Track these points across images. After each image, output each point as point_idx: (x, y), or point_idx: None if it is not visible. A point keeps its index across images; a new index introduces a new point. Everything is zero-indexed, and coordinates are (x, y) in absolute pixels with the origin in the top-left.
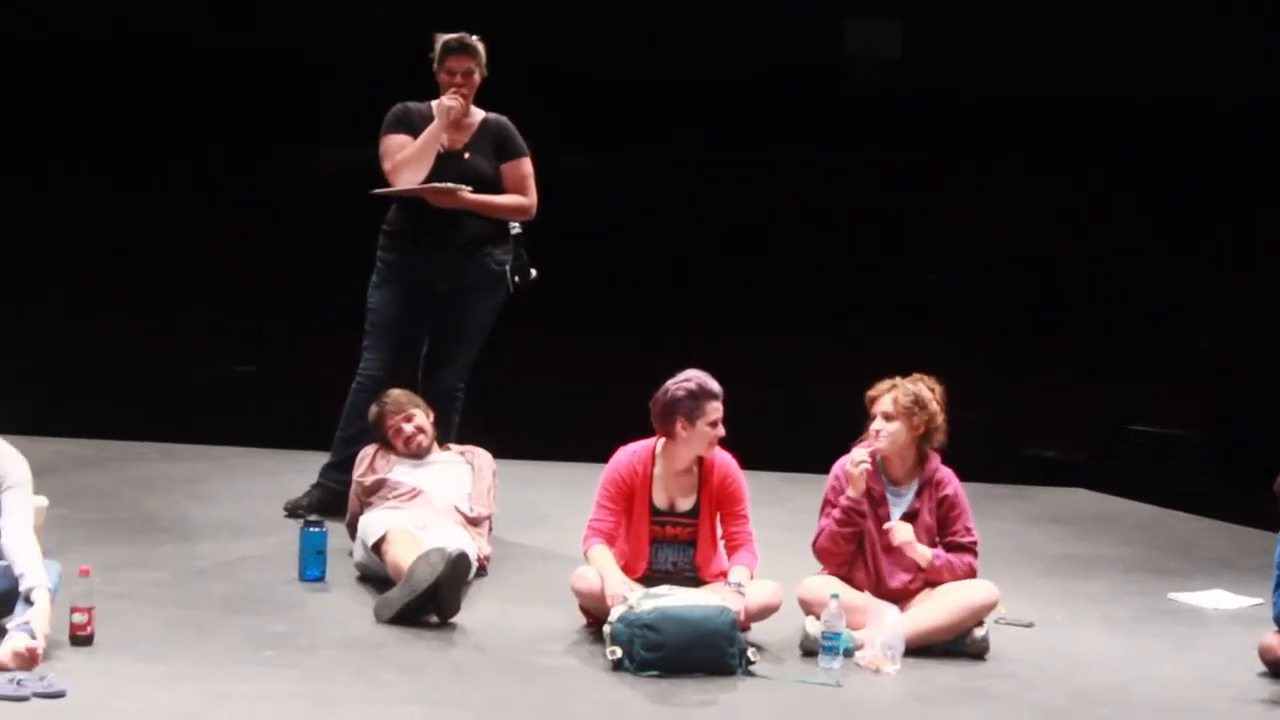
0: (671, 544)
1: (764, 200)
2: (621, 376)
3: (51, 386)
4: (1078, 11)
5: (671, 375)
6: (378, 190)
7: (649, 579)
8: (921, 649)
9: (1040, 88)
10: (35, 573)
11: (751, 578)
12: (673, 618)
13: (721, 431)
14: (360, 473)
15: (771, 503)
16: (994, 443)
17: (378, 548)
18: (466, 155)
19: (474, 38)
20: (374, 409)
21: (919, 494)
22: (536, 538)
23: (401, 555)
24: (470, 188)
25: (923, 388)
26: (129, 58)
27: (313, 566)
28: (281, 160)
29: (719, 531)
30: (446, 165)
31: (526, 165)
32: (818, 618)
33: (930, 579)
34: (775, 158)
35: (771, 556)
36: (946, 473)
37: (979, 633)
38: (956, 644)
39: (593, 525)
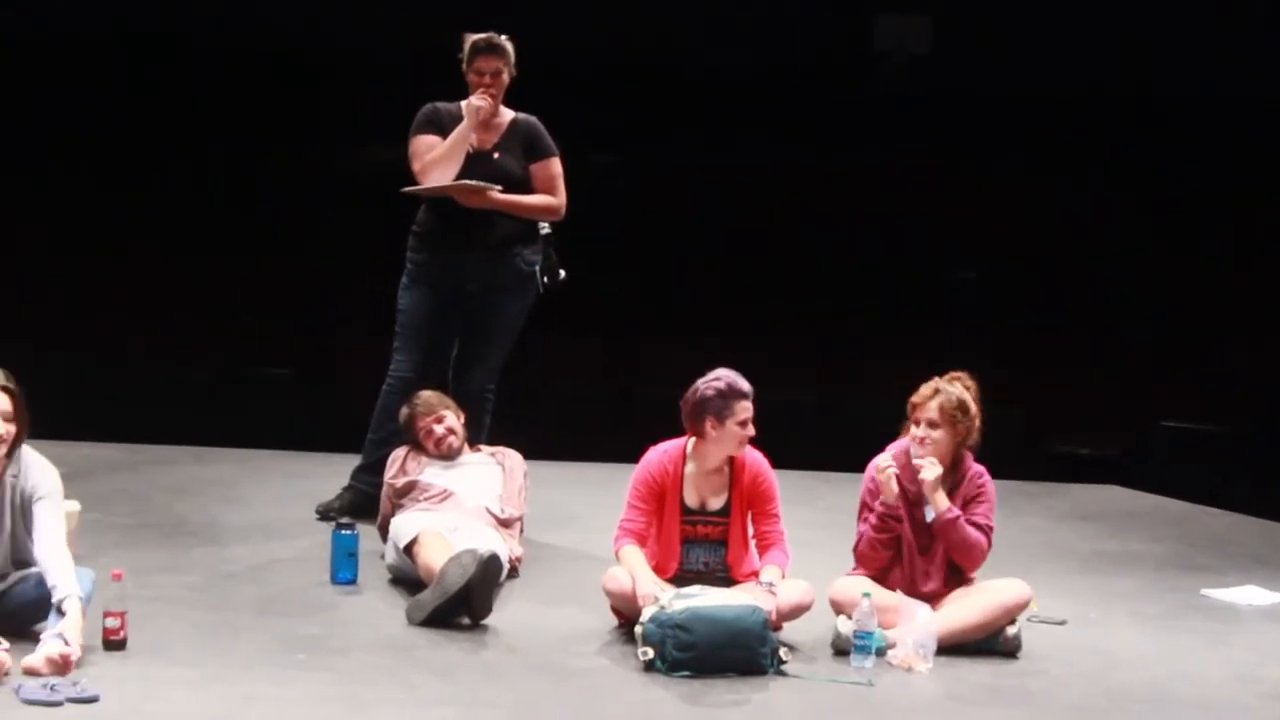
0: (703, 543)
1: (795, 199)
2: (651, 376)
3: (83, 390)
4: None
5: (702, 375)
6: (407, 189)
7: (680, 579)
8: (953, 648)
9: (1079, 86)
10: (67, 582)
11: (783, 577)
12: (704, 617)
13: (751, 431)
14: (391, 475)
15: (803, 502)
16: (1026, 441)
17: (409, 550)
18: (496, 155)
19: (503, 37)
20: (405, 411)
21: (951, 494)
22: (567, 538)
23: (433, 557)
24: (500, 187)
25: (963, 390)
26: (129, 58)
27: (344, 569)
28: (305, 160)
29: (750, 531)
30: (475, 165)
31: (556, 165)
32: (849, 617)
33: (937, 531)
34: (808, 156)
35: (803, 555)
36: (979, 469)
37: (1011, 631)
38: (989, 642)
39: (624, 525)
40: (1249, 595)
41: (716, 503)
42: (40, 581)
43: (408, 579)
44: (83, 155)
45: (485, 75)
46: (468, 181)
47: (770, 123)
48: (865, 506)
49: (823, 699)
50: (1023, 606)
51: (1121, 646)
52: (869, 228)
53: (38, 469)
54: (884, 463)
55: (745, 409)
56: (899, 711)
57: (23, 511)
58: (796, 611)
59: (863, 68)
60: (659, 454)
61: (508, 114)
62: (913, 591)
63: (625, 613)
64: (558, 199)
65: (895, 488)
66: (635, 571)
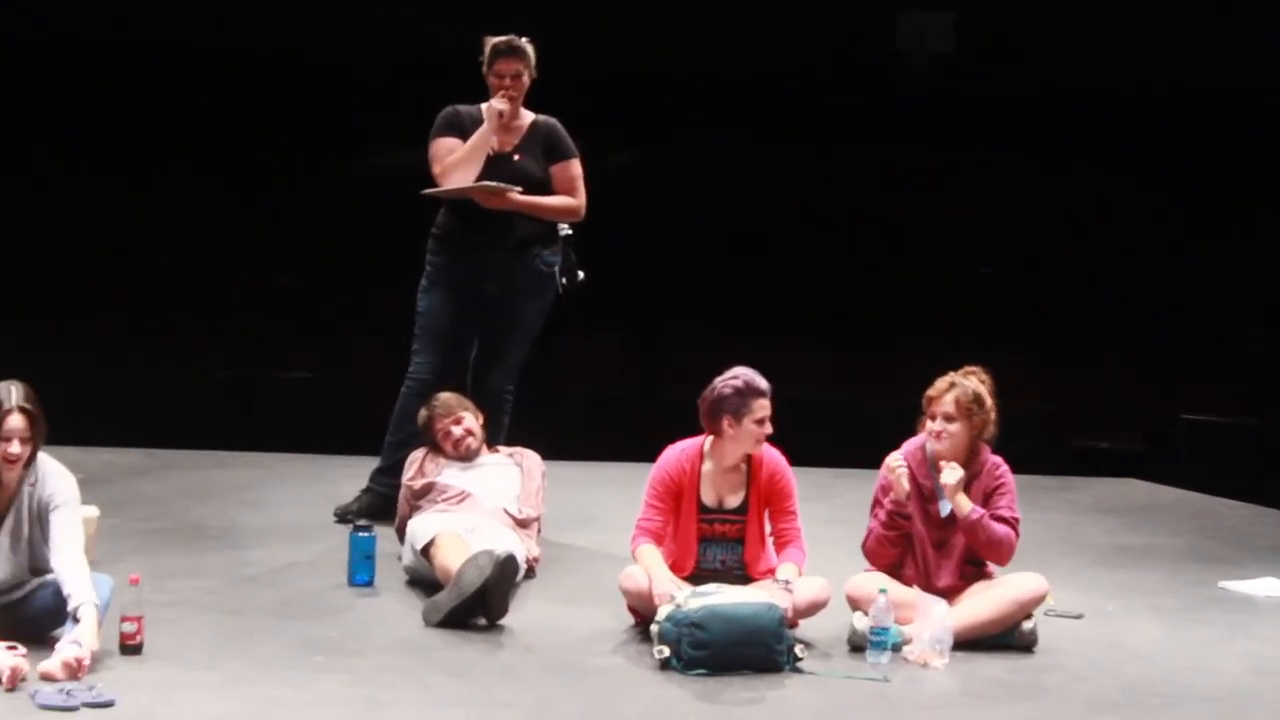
0: (720, 542)
1: (820, 197)
2: (669, 376)
3: (101, 396)
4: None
5: (720, 373)
6: (427, 190)
7: (697, 577)
8: (970, 643)
9: (1096, 82)
10: (83, 590)
11: (800, 574)
12: (720, 616)
13: (769, 429)
14: (410, 476)
15: (820, 499)
16: (1045, 435)
17: (426, 551)
18: (516, 157)
19: (524, 40)
20: (423, 412)
21: (967, 488)
22: (585, 538)
23: (450, 558)
24: (520, 189)
25: (978, 383)
26: (128, 59)
27: (362, 571)
28: (325, 162)
29: (767, 528)
30: (496, 167)
31: (576, 167)
32: (866, 613)
33: (967, 536)
34: (834, 154)
35: (819, 553)
36: (996, 460)
37: (1027, 625)
38: (1005, 637)
39: (641, 524)
40: (1267, 587)
41: (734, 501)
42: (59, 589)
43: (425, 580)
44: (86, 156)
45: (505, 78)
46: (488, 183)
47: (797, 123)
48: (877, 503)
49: (839, 696)
50: (1039, 601)
51: (1139, 640)
52: (892, 225)
53: (55, 477)
54: (894, 461)
55: (763, 407)
56: (915, 707)
57: (40, 520)
58: (813, 608)
59: (886, 67)
60: (676, 453)
61: (528, 116)
62: (927, 587)
63: (642, 611)
64: (578, 200)
65: (906, 486)
66: (652, 570)
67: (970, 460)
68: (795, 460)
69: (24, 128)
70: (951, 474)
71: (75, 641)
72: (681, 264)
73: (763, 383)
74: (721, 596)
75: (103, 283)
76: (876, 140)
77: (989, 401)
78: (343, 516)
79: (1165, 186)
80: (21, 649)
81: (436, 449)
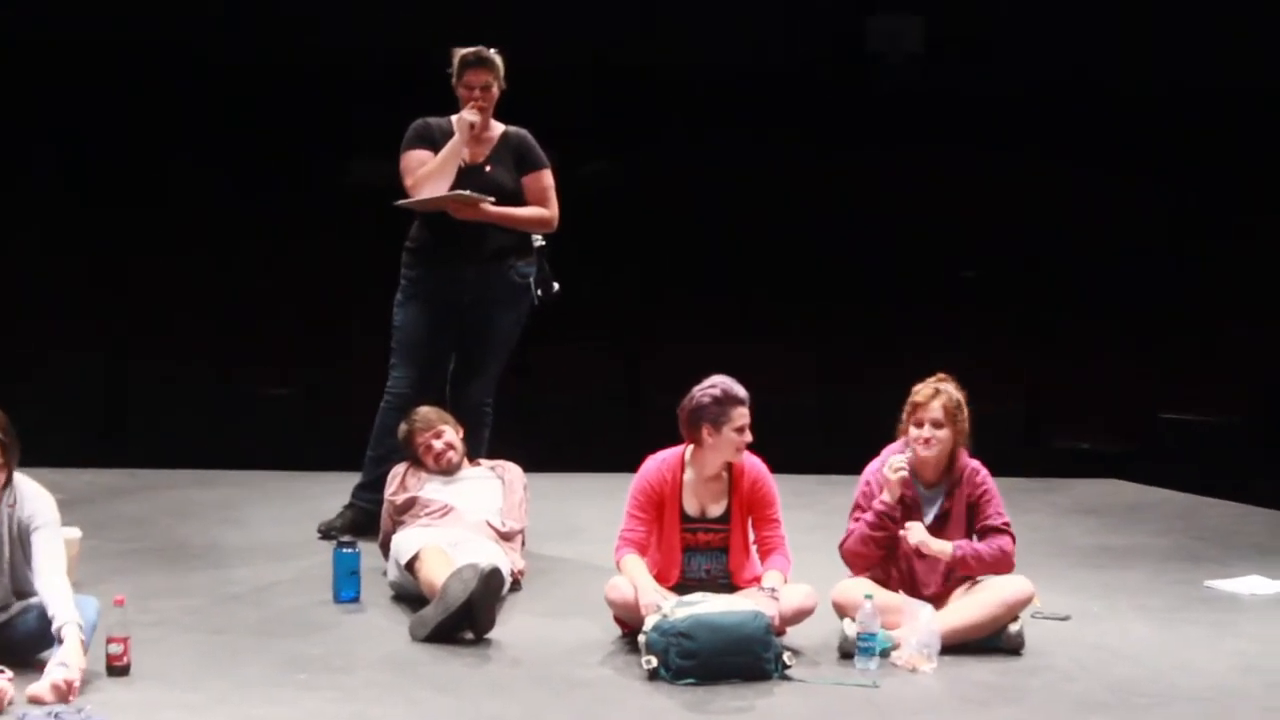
0: (704, 551)
1: (793, 199)
2: (649, 385)
3: (82, 417)
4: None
5: (698, 382)
6: (399, 202)
7: (682, 587)
8: (957, 646)
9: (1069, 79)
10: (66, 610)
11: (785, 581)
12: (707, 624)
13: (748, 437)
14: (392, 491)
15: (804, 505)
16: (1025, 437)
17: (411, 566)
18: (487, 168)
19: (492, 51)
20: (403, 427)
21: (950, 493)
22: (569, 550)
23: (435, 573)
24: (492, 199)
25: (956, 388)
26: (128, 63)
27: (347, 588)
28: (307, 175)
29: (751, 536)
30: (467, 179)
31: (547, 177)
32: (853, 619)
33: (960, 572)
34: (807, 156)
35: (805, 559)
36: (975, 465)
37: (1014, 628)
38: (992, 640)
39: (624, 535)
40: (1253, 585)
41: (716, 510)
42: (43, 612)
43: (410, 595)
44: (80, 166)
45: (475, 89)
46: (460, 193)
47: (768, 123)
48: (859, 507)
49: (828, 702)
50: (1025, 603)
51: (1125, 640)
52: (867, 227)
53: (33, 498)
54: (898, 463)
55: (742, 415)
56: (904, 712)
57: (22, 541)
58: (799, 616)
59: (858, 69)
60: (657, 463)
61: (498, 127)
62: (913, 594)
63: (628, 622)
64: (550, 211)
65: (899, 491)
66: (637, 580)
67: (950, 466)
68: (777, 467)
69: (22, 129)
70: (914, 534)
71: (62, 663)
72: (664, 266)
73: (741, 391)
74: (707, 605)
75: (97, 290)
76: (853, 142)
77: (965, 407)
78: (326, 533)
79: (1143, 182)
80: (8, 672)
81: (418, 463)
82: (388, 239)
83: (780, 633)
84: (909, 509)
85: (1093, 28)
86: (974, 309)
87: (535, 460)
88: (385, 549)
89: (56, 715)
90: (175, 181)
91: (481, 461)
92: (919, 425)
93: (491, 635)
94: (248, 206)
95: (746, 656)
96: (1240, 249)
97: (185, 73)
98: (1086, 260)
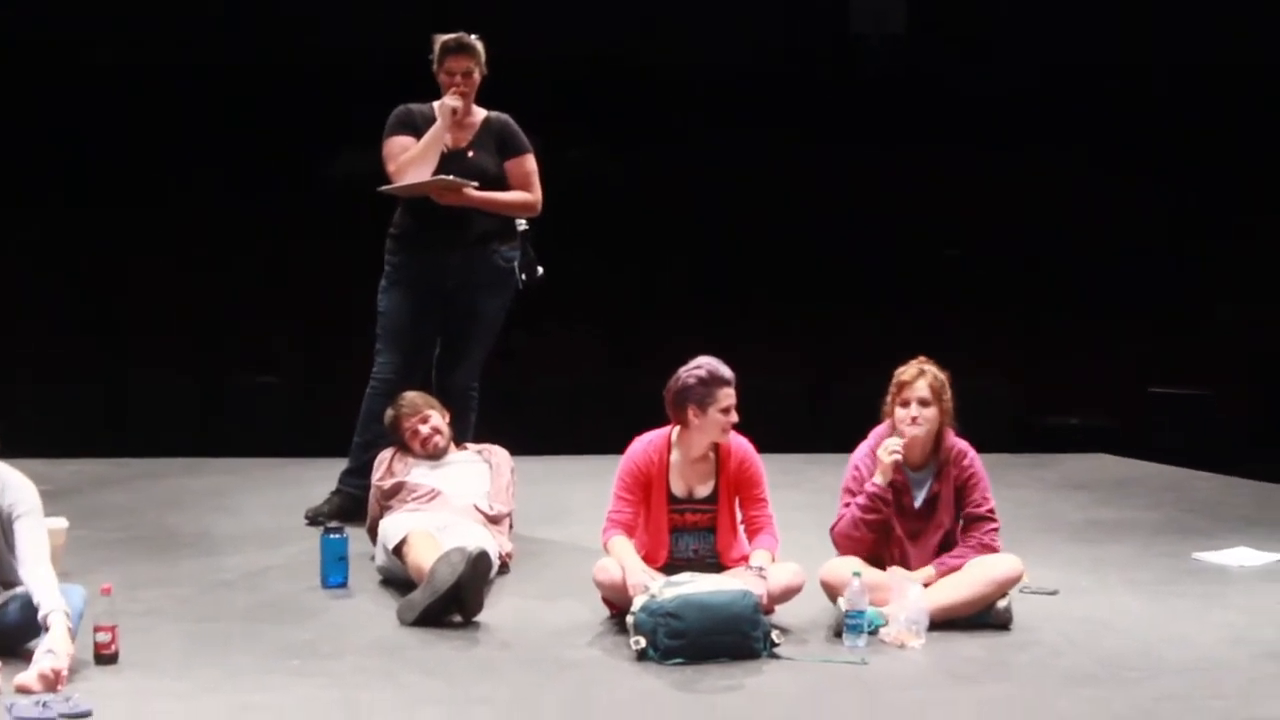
0: (691, 531)
1: (777, 185)
2: (636, 367)
3: (68, 405)
4: None
5: (685, 363)
6: (383, 188)
7: (670, 567)
8: (946, 623)
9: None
10: (50, 598)
11: (773, 560)
12: (695, 604)
13: (734, 417)
14: (379, 476)
15: (791, 484)
16: (1014, 414)
17: (399, 551)
18: (470, 154)
19: (473, 37)
20: (389, 412)
21: (938, 475)
22: (557, 533)
23: (422, 557)
24: (476, 184)
25: (939, 369)
26: (127, 63)
27: (335, 573)
28: (292, 167)
29: (739, 516)
30: (450, 164)
31: (530, 162)
32: (842, 597)
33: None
34: (788, 142)
35: (792, 538)
36: (963, 445)
37: (1002, 604)
38: (981, 616)
39: (611, 517)
40: (1240, 557)
41: (703, 490)
42: (28, 601)
43: (398, 580)
44: (70, 168)
45: (456, 75)
46: (444, 177)
47: (754, 112)
48: (848, 491)
49: (817, 680)
50: (1015, 581)
51: (1114, 614)
52: (852, 211)
53: (15, 486)
54: (894, 445)
55: (728, 396)
56: (893, 688)
57: (4, 530)
58: (787, 594)
59: (843, 53)
60: (643, 444)
61: (480, 113)
62: None
63: (617, 603)
64: (534, 195)
65: (892, 474)
66: (624, 561)
67: (937, 447)
68: (764, 447)
69: (21, 129)
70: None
71: (50, 651)
72: (653, 254)
73: (726, 371)
74: (695, 585)
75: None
76: (837, 131)
77: (949, 387)
78: (314, 519)
79: (1128, 161)
80: None
81: (404, 448)
82: (380, 232)
83: (768, 611)
84: (899, 492)
85: (1091, 21)
86: (962, 288)
87: (522, 444)
88: (373, 534)
89: (44, 704)
90: (175, 182)
91: (468, 446)
92: (905, 405)
93: (480, 618)
94: (248, 206)
95: (735, 635)
96: (1240, 249)
97: (185, 72)
98: (1072, 240)
